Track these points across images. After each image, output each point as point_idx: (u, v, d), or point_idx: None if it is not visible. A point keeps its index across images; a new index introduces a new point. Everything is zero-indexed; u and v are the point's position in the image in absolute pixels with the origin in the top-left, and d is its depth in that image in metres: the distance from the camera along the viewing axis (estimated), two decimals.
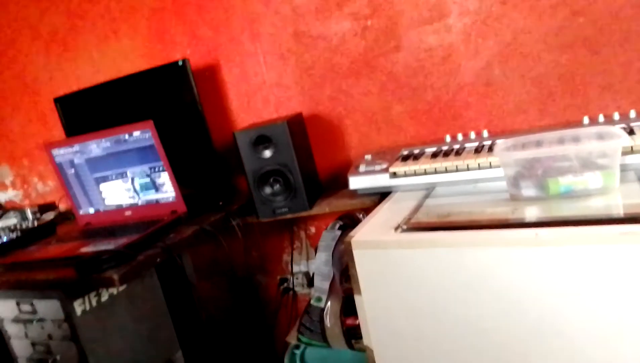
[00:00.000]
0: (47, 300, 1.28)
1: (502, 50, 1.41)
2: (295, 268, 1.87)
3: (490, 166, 1.16)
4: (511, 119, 1.45)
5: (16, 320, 1.38)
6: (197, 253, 1.47)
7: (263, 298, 1.95)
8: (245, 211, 1.58)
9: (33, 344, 1.38)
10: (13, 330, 1.41)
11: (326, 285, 1.47)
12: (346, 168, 1.56)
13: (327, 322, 1.45)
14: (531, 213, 0.99)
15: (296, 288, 1.88)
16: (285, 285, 1.90)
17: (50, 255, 1.36)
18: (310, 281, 1.83)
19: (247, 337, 1.77)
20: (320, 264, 1.50)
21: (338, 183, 1.64)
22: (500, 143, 1.10)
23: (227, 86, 1.77)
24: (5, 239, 1.60)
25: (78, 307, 1.26)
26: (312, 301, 1.51)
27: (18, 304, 1.36)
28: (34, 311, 1.33)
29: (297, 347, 1.54)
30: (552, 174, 1.00)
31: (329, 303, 1.46)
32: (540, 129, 1.33)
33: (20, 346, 1.42)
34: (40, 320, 1.32)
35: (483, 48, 1.43)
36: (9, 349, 1.45)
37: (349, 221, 1.53)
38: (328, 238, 1.51)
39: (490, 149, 1.23)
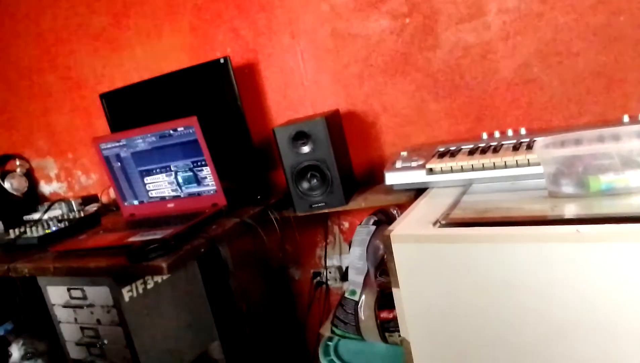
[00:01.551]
0: (97, 287, 1.34)
1: (541, 48, 1.41)
2: (329, 262, 1.90)
3: (529, 164, 1.16)
4: (550, 117, 1.45)
5: (67, 306, 1.45)
6: (235, 245, 1.51)
7: (296, 291, 1.99)
8: (282, 205, 1.62)
9: (82, 328, 1.45)
10: (63, 315, 1.48)
11: (360, 279, 1.49)
12: (381, 164, 1.58)
13: (362, 314, 1.47)
14: (571, 209, 0.99)
15: (329, 282, 1.91)
16: (319, 278, 1.93)
17: (101, 244, 1.41)
18: (343, 275, 1.85)
19: (279, 328, 1.80)
20: (354, 258, 1.52)
21: (373, 179, 1.66)
22: (539, 140, 1.09)
23: (266, 83, 1.80)
24: (54, 228, 1.69)
25: (126, 294, 1.32)
26: (346, 294, 1.53)
27: (69, 290, 1.42)
28: (84, 297, 1.39)
29: (330, 339, 1.57)
30: (593, 172, 1.00)
31: (363, 296, 1.49)
32: (579, 127, 1.33)
33: (69, 330, 1.49)
34: (90, 305, 1.38)
35: (522, 46, 1.43)
36: (57, 333, 1.53)
37: (384, 217, 1.55)
38: (362, 233, 1.53)
39: (529, 146, 1.23)
